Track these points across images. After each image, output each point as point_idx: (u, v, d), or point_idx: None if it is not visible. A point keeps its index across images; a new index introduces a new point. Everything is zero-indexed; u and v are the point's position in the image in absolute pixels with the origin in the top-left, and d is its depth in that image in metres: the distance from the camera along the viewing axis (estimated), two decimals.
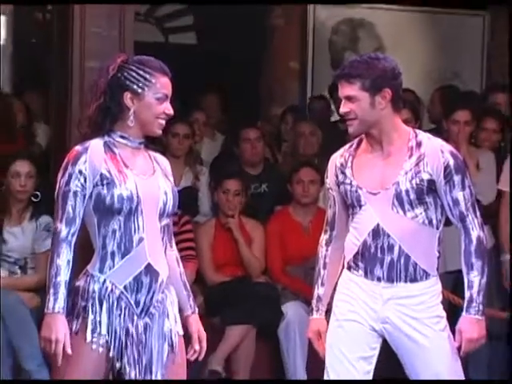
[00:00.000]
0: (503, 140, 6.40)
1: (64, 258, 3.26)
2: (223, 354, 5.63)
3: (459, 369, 3.66)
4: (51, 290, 3.24)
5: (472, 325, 3.60)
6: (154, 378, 3.34)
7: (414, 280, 3.63)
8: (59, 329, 3.23)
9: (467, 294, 3.61)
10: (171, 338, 3.39)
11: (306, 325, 3.91)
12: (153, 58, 3.42)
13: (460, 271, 3.73)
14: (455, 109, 6.14)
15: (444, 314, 3.68)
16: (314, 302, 3.81)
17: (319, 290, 3.79)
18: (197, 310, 3.55)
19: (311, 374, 5.52)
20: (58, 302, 3.24)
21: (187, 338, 3.49)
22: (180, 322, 3.45)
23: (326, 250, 3.79)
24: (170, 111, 3.41)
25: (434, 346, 3.62)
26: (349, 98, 3.61)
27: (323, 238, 3.81)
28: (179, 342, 3.42)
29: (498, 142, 6.35)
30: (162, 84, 3.37)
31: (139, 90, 3.34)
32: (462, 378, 3.67)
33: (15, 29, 8.14)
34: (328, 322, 3.76)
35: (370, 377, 3.70)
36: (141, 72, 3.35)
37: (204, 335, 3.52)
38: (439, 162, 3.60)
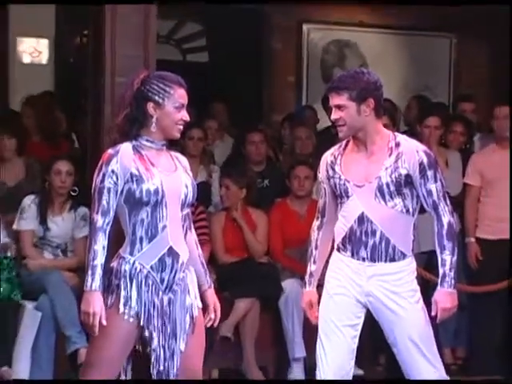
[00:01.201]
0: (468, 142, 6.41)
1: (100, 244, 3.26)
2: (232, 322, 5.63)
3: (430, 334, 3.65)
4: (89, 271, 3.24)
5: (446, 296, 3.60)
6: (177, 345, 3.34)
7: (393, 260, 3.63)
8: (96, 304, 3.23)
9: (441, 271, 3.60)
10: (192, 311, 3.39)
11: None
12: (171, 73, 3.41)
13: (431, 251, 3.73)
14: (427, 115, 6.17)
15: (418, 288, 3.68)
16: (306, 277, 3.81)
17: (311, 267, 3.79)
18: (213, 284, 3.55)
19: (307, 339, 5.51)
20: (95, 281, 3.24)
21: (204, 308, 3.49)
22: (199, 297, 3.45)
23: (318, 234, 3.78)
24: (187, 118, 3.40)
25: (410, 316, 3.61)
26: (338, 107, 3.60)
27: (315, 223, 3.80)
28: (199, 314, 3.42)
29: (463, 144, 6.35)
30: (179, 95, 3.37)
31: (160, 101, 3.34)
32: (433, 342, 3.65)
33: (56, 51, 8.11)
34: (320, 295, 3.75)
35: (356, 341, 3.69)
36: (161, 85, 3.34)
37: (218, 306, 3.52)
38: (415, 159, 3.59)
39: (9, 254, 5.29)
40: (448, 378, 3.68)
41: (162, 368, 3.32)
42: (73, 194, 5.53)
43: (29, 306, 5.22)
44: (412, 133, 5.78)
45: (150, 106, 3.34)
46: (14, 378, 4.95)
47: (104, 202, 3.27)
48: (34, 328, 5.16)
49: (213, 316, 3.49)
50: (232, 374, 5.66)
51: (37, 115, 6.61)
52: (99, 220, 3.26)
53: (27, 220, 5.47)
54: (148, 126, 3.36)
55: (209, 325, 3.49)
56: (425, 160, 3.59)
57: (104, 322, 3.23)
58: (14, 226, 5.51)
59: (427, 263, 5.38)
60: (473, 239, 5.90)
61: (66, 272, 5.39)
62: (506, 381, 5.58)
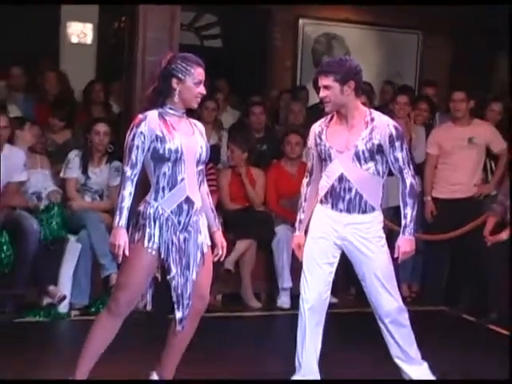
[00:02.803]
0: (431, 118, 6.39)
1: (127, 191, 3.25)
2: (234, 258, 5.64)
3: (392, 272, 3.67)
4: (117, 212, 3.24)
5: (406, 242, 3.62)
6: (190, 274, 3.34)
7: (364, 212, 3.64)
8: (121, 238, 3.23)
9: (403, 222, 3.62)
10: (202, 248, 3.39)
11: (291, 240, 3.91)
12: (192, 55, 3.38)
13: (397, 206, 3.73)
14: (398, 94, 6.16)
15: (384, 235, 3.69)
16: (296, 224, 3.82)
17: (300, 216, 3.79)
18: (220, 227, 3.55)
19: (293, 273, 5.53)
20: (121, 220, 3.23)
21: (212, 246, 3.49)
22: (209, 237, 3.45)
23: (306, 189, 3.79)
24: (204, 92, 3.38)
25: (376, 257, 3.63)
26: (325, 87, 3.59)
27: (305, 181, 3.81)
28: (208, 251, 3.43)
29: (427, 119, 6.33)
30: (198, 73, 3.34)
31: (182, 77, 3.31)
32: (394, 278, 3.66)
33: (99, 33, 8.03)
34: (306, 238, 3.77)
35: (332, 276, 3.71)
36: (184, 64, 3.32)
37: (225, 245, 3.52)
38: (386, 132, 3.58)
39: (55, 202, 5.29)
40: (404, 307, 3.70)
41: (179, 292, 3.33)
42: (109, 150, 5.53)
43: (71, 238, 5.24)
44: (383, 111, 5.75)
45: (174, 82, 3.32)
46: (59, 294, 4.98)
47: (133, 157, 3.27)
48: (75, 256, 5.18)
49: (220, 252, 3.51)
50: (233, 299, 5.70)
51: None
52: (128, 171, 3.26)
53: (72, 170, 5.48)
54: (172, 97, 3.34)
55: (216, 259, 3.50)
56: (394, 133, 3.58)
57: (127, 253, 3.23)
58: (61, 175, 5.52)
59: (393, 216, 5.39)
60: (429, 198, 5.91)
61: (101, 213, 5.40)
62: (450, 310, 5.65)
